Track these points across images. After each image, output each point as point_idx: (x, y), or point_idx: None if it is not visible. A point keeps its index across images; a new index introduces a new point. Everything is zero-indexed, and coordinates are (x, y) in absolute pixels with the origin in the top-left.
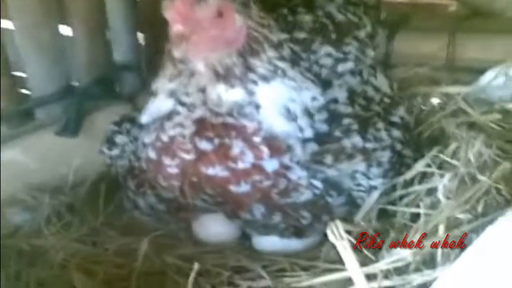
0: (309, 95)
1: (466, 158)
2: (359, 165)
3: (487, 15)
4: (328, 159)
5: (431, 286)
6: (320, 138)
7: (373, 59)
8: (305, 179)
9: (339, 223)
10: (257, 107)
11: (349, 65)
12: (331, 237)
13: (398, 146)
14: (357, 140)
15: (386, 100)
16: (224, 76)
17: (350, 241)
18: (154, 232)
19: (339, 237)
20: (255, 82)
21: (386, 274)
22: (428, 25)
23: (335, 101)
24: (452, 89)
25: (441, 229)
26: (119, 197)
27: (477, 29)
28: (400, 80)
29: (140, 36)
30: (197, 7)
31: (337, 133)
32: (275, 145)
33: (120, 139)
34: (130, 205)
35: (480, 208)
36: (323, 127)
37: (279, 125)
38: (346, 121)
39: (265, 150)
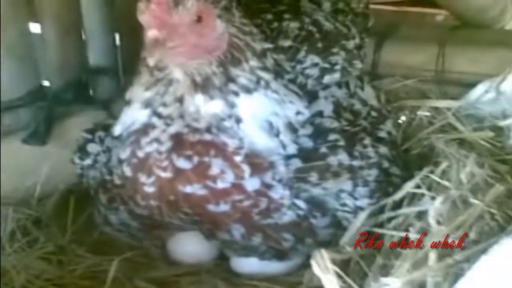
0: (293, 109)
1: (457, 179)
2: (345, 184)
3: (478, 26)
4: (313, 177)
5: None
6: (304, 155)
7: (360, 70)
8: (288, 199)
9: (324, 253)
10: (238, 121)
11: (336, 76)
12: (315, 269)
13: (385, 164)
14: (343, 157)
15: (373, 113)
16: (202, 86)
17: (336, 272)
18: (125, 252)
19: (324, 269)
20: (236, 93)
21: None
22: (417, 35)
23: (321, 114)
24: (442, 103)
25: (432, 257)
26: (90, 212)
27: (467, 41)
28: (386, 91)
29: (118, 37)
30: (175, 11)
31: (323, 149)
32: (257, 163)
33: (92, 148)
34: (101, 220)
35: (472, 235)
36: (308, 143)
37: (260, 141)
38: (332, 136)
39: (246, 169)
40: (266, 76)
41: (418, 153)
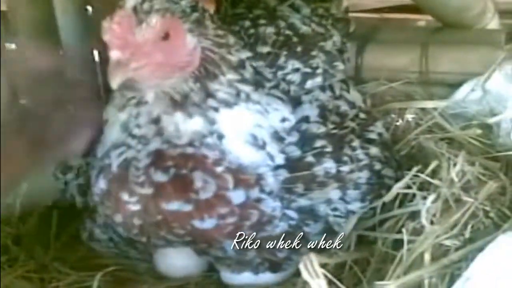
0: (278, 116)
1: (448, 178)
2: (333, 192)
3: (459, 27)
4: (299, 187)
5: None
6: (291, 164)
7: (344, 73)
8: (279, 210)
9: (313, 257)
10: (220, 137)
11: (318, 80)
12: (305, 275)
13: (377, 166)
14: (330, 165)
15: (362, 115)
16: (181, 104)
17: (326, 276)
18: (109, 267)
19: (313, 274)
20: (215, 109)
21: None
22: (399, 37)
23: (307, 120)
24: (428, 104)
25: (427, 257)
26: (72, 228)
27: (450, 41)
28: (371, 95)
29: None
30: (138, 30)
31: (309, 158)
32: (244, 179)
33: (75, 161)
34: (86, 235)
35: (467, 233)
36: (295, 152)
37: (246, 155)
38: (318, 143)
39: (229, 179)
40: (246, 88)
41: (406, 154)
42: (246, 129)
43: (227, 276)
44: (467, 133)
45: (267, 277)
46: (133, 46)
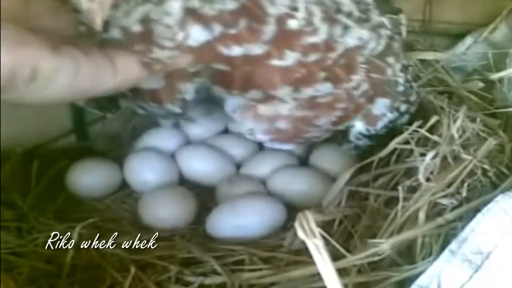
0: None
1: (448, 134)
2: None
3: None
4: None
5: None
6: None
7: None
8: None
9: (309, 215)
10: None
11: None
12: (300, 233)
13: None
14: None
15: None
16: None
17: (323, 236)
18: (91, 219)
19: (310, 234)
20: None
21: (360, 269)
22: None
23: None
24: (430, 55)
25: (421, 216)
26: (52, 177)
27: None
28: None
29: None
30: None
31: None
32: None
33: None
34: None
35: (464, 192)
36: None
37: None
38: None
39: None
40: None
41: None
42: None
43: (213, 227)
44: (469, 86)
45: (253, 229)
46: None
